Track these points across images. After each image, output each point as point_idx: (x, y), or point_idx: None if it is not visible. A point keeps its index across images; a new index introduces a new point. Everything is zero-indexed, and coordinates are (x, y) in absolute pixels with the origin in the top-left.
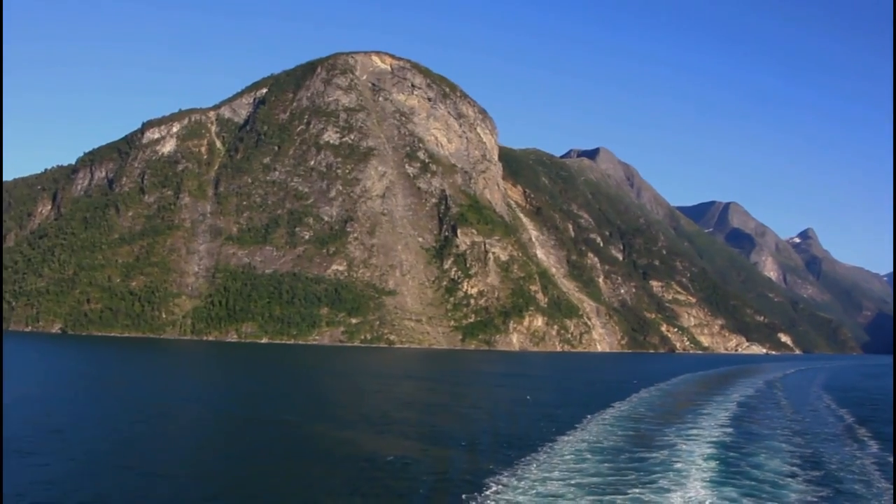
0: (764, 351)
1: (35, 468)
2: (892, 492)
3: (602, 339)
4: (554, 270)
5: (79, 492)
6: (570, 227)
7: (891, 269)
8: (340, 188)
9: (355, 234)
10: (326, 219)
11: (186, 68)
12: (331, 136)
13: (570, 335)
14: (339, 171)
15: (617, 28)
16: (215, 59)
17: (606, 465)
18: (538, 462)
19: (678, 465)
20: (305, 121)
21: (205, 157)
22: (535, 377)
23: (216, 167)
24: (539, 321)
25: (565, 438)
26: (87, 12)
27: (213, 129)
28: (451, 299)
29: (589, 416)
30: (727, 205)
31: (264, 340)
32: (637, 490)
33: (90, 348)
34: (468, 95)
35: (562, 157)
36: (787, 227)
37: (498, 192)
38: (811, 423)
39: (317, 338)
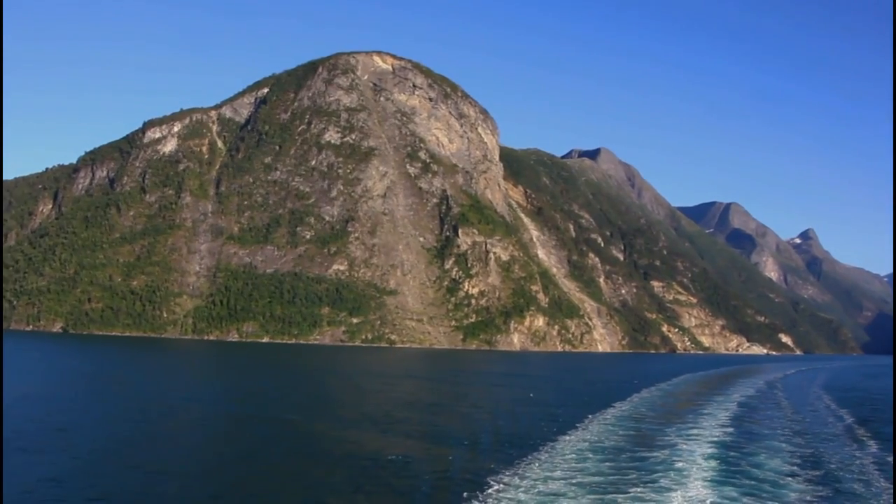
0: (765, 351)
1: (42, 466)
2: (891, 491)
3: (603, 339)
4: (555, 270)
5: (86, 490)
6: (571, 227)
7: (891, 270)
8: (341, 188)
9: (356, 234)
10: (328, 218)
11: (188, 68)
12: (332, 135)
13: (570, 335)
14: (340, 170)
15: (618, 28)
16: (217, 58)
17: (608, 464)
18: (540, 461)
19: (679, 465)
20: (307, 120)
21: (206, 156)
22: (535, 377)
23: (217, 167)
24: (540, 321)
25: (566, 438)
26: (87, 12)
27: (215, 128)
28: (452, 299)
29: (590, 416)
30: (728, 205)
31: (265, 340)
32: (638, 489)
33: (91, 347)
34: (469, 95)
35: (563, 157)
36: (787, 227)
37: (499, 192)
38: (811, 423)
39: (318, 337)
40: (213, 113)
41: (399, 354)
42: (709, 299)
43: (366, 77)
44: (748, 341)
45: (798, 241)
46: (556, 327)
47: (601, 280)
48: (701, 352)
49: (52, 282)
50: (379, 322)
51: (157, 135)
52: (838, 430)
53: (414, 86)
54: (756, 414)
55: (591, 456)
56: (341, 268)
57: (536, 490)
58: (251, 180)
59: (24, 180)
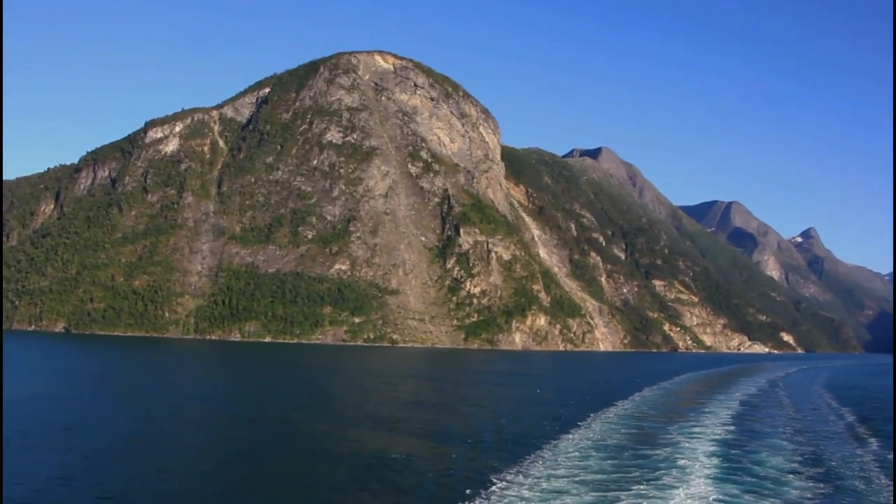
0: (766, 350)
1: (50, 465)
2: (892, 489)
3: (605, 338)
4: (556, 270)
5: (94, 488)
6: (573, 226)
7: (892, 269)
8: (343, 188)
9: (358, 234)
10: (329, 218)
11: (189, 67)
12: (333, 135)
13: (572, 334)
14: (341, 170)
15: (619, 27)
16: (218, 58)
17: (610, 462)
18: (543, 459)
19: (681, 462)
20: (308, 120)
21: (208, 156)
22: (538, 376)
23: (219, 166)
24: (542, 320)
25: (569, 436)
26: (89, 11)
27: (216, 128)
28: (454, 298)
29: (592, 415)
30: (729, 204)
31: (267, 340)
32: (641, 486)
33: (94, 347)
34: (471, 95)
35: (564, 156)
36: (789, 226)
37: (500, 191)
38: (812, 421)
39: (320, 337)
40: (214, 113)
41: (401, 354)
42: (710, 298)
43: (367, 77)
44: (750, 340)
45: (799, 239)
46: (558, 326)
47: (603, 279)
48: (702, 351)
49: (54, 282)
50: (381, 322)
51: (159, 135)
52: (839, 428)
53: (415, 85)
54: (758, 412)
55: (593, 454)
56: (343, 267)
57: (540, 488)
58: (253, 180)
59: (26, 180)
